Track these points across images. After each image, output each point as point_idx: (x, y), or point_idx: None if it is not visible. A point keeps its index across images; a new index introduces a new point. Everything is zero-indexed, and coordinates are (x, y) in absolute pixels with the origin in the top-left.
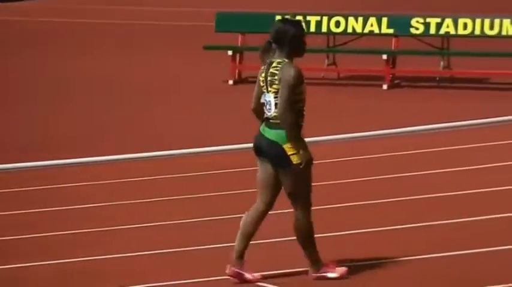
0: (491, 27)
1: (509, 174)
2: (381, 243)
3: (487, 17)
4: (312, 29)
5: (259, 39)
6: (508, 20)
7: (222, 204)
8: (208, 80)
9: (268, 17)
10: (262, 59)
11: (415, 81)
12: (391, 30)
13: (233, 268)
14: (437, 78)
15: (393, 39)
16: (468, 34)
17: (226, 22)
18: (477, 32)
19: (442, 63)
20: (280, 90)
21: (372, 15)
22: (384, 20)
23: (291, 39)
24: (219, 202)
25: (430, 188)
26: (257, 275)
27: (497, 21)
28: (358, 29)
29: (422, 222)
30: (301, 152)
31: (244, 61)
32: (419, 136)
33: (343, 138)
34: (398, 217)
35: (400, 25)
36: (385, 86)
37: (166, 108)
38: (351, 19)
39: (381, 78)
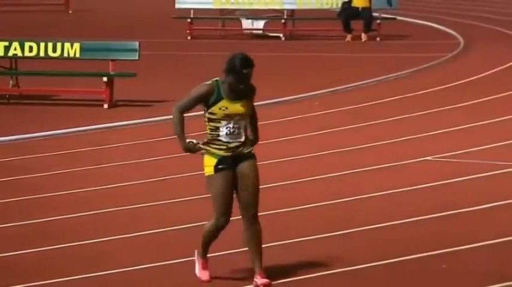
0: (54, 50)
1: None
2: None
3: (50, 41)
4: None
5: None
6: (69, 44)
7: None
8: None
9: None
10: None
11: None
12: None
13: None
14: (7, 96)
15: None
16: (34, 56)
17: None
18: (42, 53)
19: (11, 82)
20: None
21: None
22: None
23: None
24: None
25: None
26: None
27: (59, 44)
28: None
29: None
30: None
31: None
32: None
33: None
34: None
35: None
36: None
37: None
38: None
39: None
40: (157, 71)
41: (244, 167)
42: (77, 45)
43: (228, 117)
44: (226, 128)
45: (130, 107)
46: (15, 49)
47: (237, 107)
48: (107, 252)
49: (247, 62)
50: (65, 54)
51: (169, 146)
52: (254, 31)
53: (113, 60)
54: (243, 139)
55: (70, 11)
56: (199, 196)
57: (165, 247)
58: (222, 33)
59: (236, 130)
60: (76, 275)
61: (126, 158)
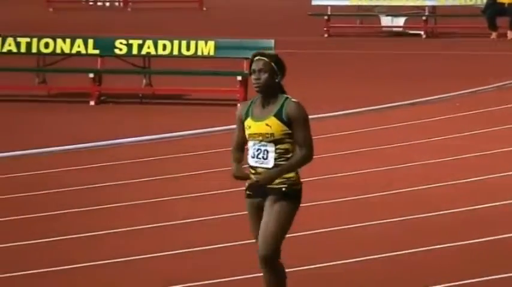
0: (188, 48)
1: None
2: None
3: (184, 39)
4: (23, 50)
5: None
6: (203, 42)
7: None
8: None
9: None
10: None
11: (120, 98)
12: (96, 51)
13: None
14: (140, 95)
15: (99, 59)
16: (167, 54)
17: None
18: (175, 52)
19: (144, 81)
20: None
21: (79, 37)
22: (90, 41)
23: None
24: None
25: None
26: None
27: (193, 42)
28: (66, 50)
29: None
30: None
31: None
32: (126, 147)
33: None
34: None
35: (105, 46)
36: (92, 103)
37: None
38: (59, 41)
39: (88, 95)
40: (292, 70)
41: (267, 204)
42: (211, 44)
43: (252, 137)
44: (252, 149)
45: None
46: (148, 47)
47: (261, 126)
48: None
49: (256, 54)
50: (199, 53)
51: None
52: (394, 29)
53: (247, 58)
54: (269, 166)
55: (204, 9)
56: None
57: None
58: (360, 30)
59: (261, 153)
60: None
61: None
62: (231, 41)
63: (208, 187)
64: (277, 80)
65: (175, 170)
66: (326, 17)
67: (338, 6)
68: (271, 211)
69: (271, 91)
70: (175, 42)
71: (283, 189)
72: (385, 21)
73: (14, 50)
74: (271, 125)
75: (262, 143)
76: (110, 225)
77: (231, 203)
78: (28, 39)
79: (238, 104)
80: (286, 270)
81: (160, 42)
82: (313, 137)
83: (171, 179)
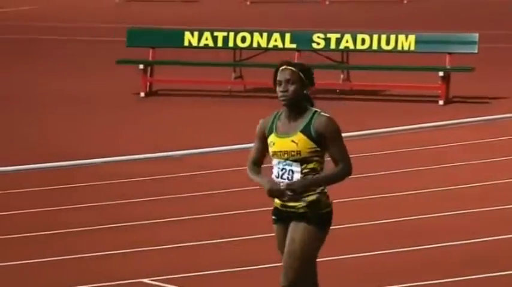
0: (388, 43)
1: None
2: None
3: (383, 33)
4: (220, 44)
5: (169, 54)
6: (403, 36)
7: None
8: (120, 93)
9: (176, 32)
10: None
11: (317, 93)
12: (294, 45)
13: None
14: (338, 91)
15: (296, 54)
16: (366, 49)
17: (137, 38)
18: (374, 47)
19: (342, 76)
20: None
21: (276, 31)
22: (287, 35)
23: None
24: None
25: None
26: None
27: (392, 36)
28: (263, 44)
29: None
30: None
31: (155, 74)
32: None
33: (248, 147)
34: None
35: (302, 40)
36: None
37: (80, 117)
38: (256, 35)
39: None
40: (496, 66)
41: (291, 231)
42: (411, 38)
43: (276, 155)
44: (276, 168)
45: (466, 103)
46: (346, 42)
47: (286, 143)
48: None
49: (281, 63)
50: (399, 47)
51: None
52: None
53: (449, 53)
54: None
55: (405, 1)
56: None
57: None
58: None
59: (285, 173)
60: None
61: (460, 158)
62: (432, 35)
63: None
64: (305, 92)
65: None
66: None
67: None
68: (293, 238)
69: (299, 104)
70: (375, 37)
71: (308, 213)
72: None
73: (211, 44)
74: (297, 141)
75: (288, 161)
76: None
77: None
78: (225, 34)
79: (261, 120)
80: None
81: (359, 37)
82: None
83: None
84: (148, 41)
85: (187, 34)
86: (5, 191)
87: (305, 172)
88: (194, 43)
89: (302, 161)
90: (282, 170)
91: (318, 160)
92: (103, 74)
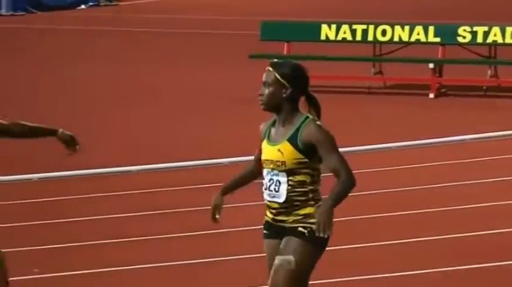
0: None
1: None
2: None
3: None
4: (358, 37)
5: (304, 48)
6: None
7: None
8: (255, 88)
9: (313, 25)
10: None
11: (461, 90)
12: (437, 39)
13: None
14: (485, 88)
15: (440, 48)
16: None
17: (271, 31)
18: None
19: (489, 72)
20: None
21: (419, 24)
22: (431, 28)
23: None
24: None
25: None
26: None
27: None
28: (405, 38)
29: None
30: None
31: None
32: (468, 145)
33: (389, 148)
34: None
35: (447, 34)
36: (431, 95)
37: (213, 115)
38: (397, 28)
39: (427, 87)
40: None
41: (282, 245)
42: None
43: (264, 164)
44: (266, 179)
45: None
46: (495, 35)
47: (272, 152)
48: None
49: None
50: None
51: None
52: None
53: None
54: (281, 200)
55: None
56: None
57: None
58: None
59: (273, 184)
60: None
61: None
62: None
63: None
64: (284, 96)
65: None
66: None
67: None
68: (283, 253)
69: (278, 110)
70: None
71: (300, 229)
72: None
73: (349, 38)
74: (283, 151)
75: (275, 171)
76: None
77: None
78: (364, 27)
79: (261, 124)
80: None
81: (509, 29)
82: None
83: None
84: (283, 35)
85: (324, 27)
86: None
87: (291, 184)
88: (331, 37)
89: (288, 173)
90: (269, 181)
91: (308, 172)
92: (234, 70)
